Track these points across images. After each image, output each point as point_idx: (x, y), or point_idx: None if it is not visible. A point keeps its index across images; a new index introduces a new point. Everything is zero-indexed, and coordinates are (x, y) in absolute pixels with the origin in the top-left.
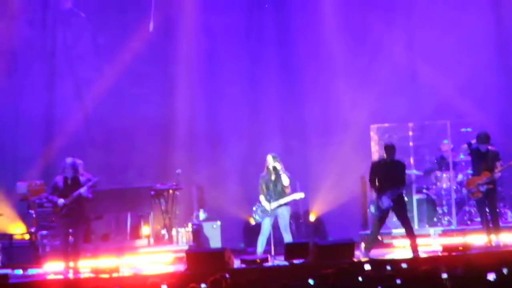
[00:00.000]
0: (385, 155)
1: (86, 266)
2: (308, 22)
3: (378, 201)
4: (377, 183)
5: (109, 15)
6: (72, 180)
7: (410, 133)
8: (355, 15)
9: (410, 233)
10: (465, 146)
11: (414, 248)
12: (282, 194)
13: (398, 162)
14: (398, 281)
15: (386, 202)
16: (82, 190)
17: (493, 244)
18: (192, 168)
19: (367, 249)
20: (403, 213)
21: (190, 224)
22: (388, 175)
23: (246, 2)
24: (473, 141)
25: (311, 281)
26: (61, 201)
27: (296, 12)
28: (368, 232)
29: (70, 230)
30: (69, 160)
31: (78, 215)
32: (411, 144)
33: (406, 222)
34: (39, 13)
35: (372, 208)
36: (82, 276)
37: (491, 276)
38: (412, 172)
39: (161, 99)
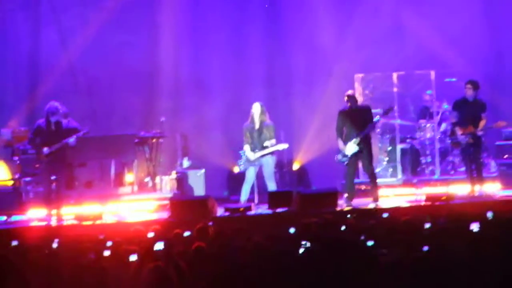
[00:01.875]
0: (348, 103)
1: (69, 213)
2: None
3: (345, 148)
4: (344, 131)
5: None
6: (56, 125)
7: (395, 83)
8: None
9: (372, 180)
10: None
11: (375, 196)
12: (266, 143)
13: (363, 107)
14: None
15: (351, 147)
16: (71, 140)
17: (477, 194)
18: (176, 116)
19: (349, 198)
20: (367, 157)
21: (174, 172)
22: (354, 122)
23: None
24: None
25: (291, 230)
26: (45, 149)
27: None
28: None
29: (53, 177)
30: (52, 104)
31: (61, 161)
32: (395, 93)
33: (367, 167)
34: None
35: (340, 156)
36: (65, 223)
37: (474, 226)
38: (396, 121)
39: (145, 46)
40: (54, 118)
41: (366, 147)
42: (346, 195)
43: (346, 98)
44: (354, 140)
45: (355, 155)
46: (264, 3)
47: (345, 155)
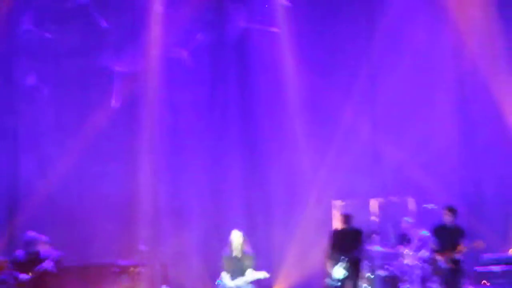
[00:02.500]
0: (342, 224)
1: None
2: (272, 99)
3: (334, 271)
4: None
5: (72, 90)
6: (34, 255)
7: (373, 209)
8: (319, 94)
9: None
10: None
11: None
12: (245, 271)
13: (354, 229)
14: None
15: (339, 271)
16: (46, 265)
17: None
18: (156, 243)
19: None
20: (354, 281)
21: None
22: (342, 244)
23: (210, 78)
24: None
25: None
26: (23, 276)
27: (259, 89)
28: None
29: None
30: (29, 234)
31: None
32: (375, 220)
33: None
34: (2, 89)
35: (329, 280)
36: None
37: None
38: (376, 248)
39: (124, 175)
40: (32, 248)
41: (354, 272)
42: None
43: (341, 217)
44: (340, 263)
45: (345, 278)
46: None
47: (334, 279)
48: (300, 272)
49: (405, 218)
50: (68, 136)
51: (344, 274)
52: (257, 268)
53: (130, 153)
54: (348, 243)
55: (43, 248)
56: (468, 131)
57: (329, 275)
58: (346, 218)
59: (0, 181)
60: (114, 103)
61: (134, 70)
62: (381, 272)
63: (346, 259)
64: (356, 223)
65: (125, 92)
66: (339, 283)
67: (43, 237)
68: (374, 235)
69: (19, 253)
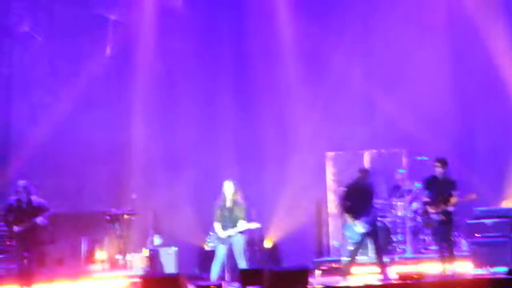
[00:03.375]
0: (360, 179)
1: None
2: (266, 48)
3: (355, 225)
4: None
5: (66, 39)
6: (27, 204)
7: (366, 161)
8: (314, 44)
9: (381, 259)
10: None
11: (385, 275)
12: (237, 222)
13: (370, 186)
14: None
15: (365, 226)
16: (39, 220)
17: (448, 273)
18: (148, 193)
19: (345, 274)
20: (378, 237)
21: (145, 250)
22: (363, 199)
23: (204, 26)
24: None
25: None
26: (16, 228)
27: (253, 38)
28: (346, 258)
29: (25, 254)
30: (22, 182)
31: (32, 239)
32: None
33: (379, 247)
34: None
35: (349, 233)
36: None
37: None
38: None
39: (116, 123)
40: (24, 196)
41: (374, 227)
42: (343, 270)
43: (360, 173)
44: (363, 218)
45: (365, 234)
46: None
47: (355, 233)
48: (292, 222)
49: (398, 170)
50: (61, 84)
51: (366, 228)
52: (249, 218)
53: (123, 102)
54: (367, 199)
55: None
56: (461, 81)
57: (349, 229)
58: (364, 172)
59: None
60: (108, 51)
61: (129, 18)
62: None
63: (371, 215)
64: (348, 175)
65: (119, 40)
66: (360, 238)
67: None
68: None
69: (12, 200)
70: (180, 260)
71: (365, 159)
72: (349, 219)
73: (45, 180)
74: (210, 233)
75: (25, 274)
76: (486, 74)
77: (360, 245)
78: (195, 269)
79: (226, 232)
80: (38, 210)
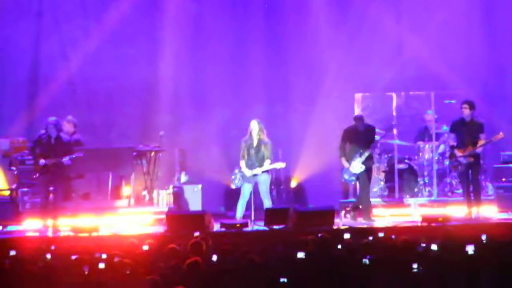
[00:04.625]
0: (355, 125)
1: (66, 224)
2: None
3: (352, 167)
4: (348, 149)
5: None
6: (56, 140)
7: (394, 103)
8: None
9: (365, 199)
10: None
11: (366, 215)
12: (263, 160)
13: (368, 127)
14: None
15: (357, 166)
16: (65, 159)
17: (473, 216)
18: (175, 130)
19: (367, 218)
20: (368, 175)
21: (171, 186)
22: (359, 140)
23: None
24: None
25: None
26: (42, 161)
27: None
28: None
29: (51, 188)
30: (52, 119)
31: (58, 173)
32: (394, 114)
33: (365, 186)
34: None
35: (346, 176)
36: (61, 234)
37: (469, 248)
38: (395, 142)
39: (146, 61)
40: (54, 132)
41: (369, 166)
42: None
43: (354, 120)
44: (358, 159)
45: (361, 173)
46: (265, 6)
47: (352, 174)
48: (318, 163)
49: (428, 112)
50: (90, 21)
51: (361, 168)
52: (275, 158)
53: (152, 39)
54: (362, 140)
55: (73, 132)
56: (492, 23)
57: (345, 171)
58: (359, 119)
59: (21, 63)
60: None
61: None
62: (400, 166)
63: (364, 153)
64: (377, 117)
65: None
66: (356, 178)
67: (74, 120)
68: (394, 129)
69: (43, 133)
70: (205, 198)
71: (393, 101)
72: (345, 162)
73: (73, 115)
74: (236, 170)
75: (50, 208)
76: None
77: (364, 182)
78: (220, 207)
79: (251, 170)
80: (66, 147)
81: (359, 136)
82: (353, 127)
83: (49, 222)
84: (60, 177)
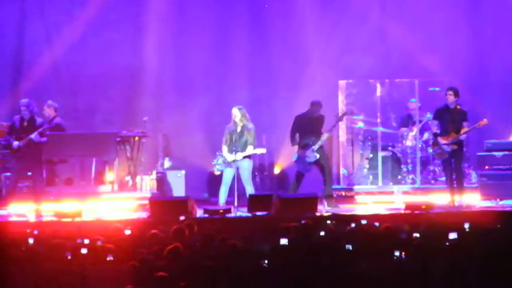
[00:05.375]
0: (311, 110)
1: (49, 209)
2: None
3: (303, 154)
4: (298, 137)
5: None
6: (28, 122)
7: (378, 90)
8: None
9: (328, 186)
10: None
11: (329, 201)
12: (246, 146)
13: (320, 116)
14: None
15: (312, 155)
16: (33, 135)
17: (456, 204)
18: (159, 116)
19: (329, 202)
20: (325, 161)
21: (154, 172)
22: (312, 129)
23: None
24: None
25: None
26: (15, 143)
27: None
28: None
29: (28, 173)
30: (24, 101)
31: (33, 158)
32: (378, 101)
33: (325, 174)
34: None
35: (300, 165)
36: (44, 219)
37: (452, 236)
38: (378, 129)
39: (130, 46)
40: (27, 114)
41: (323, 154)
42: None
43: (312, 105)
44: (313, 147)
45: (316, 161)
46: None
47: (307, 163)
48: None
49: (411, 100)
50: (75, 5)
51: (316, 157)
52: (259, 143)
53: (136, 25)
54: (314, 128)
55: (48, 115)
56: (476, 12)
57: (299, 159)
58: (316, 105)
59: (5, 46)
60: None
61: None
62: (384, 153)
63: (317, 141)
64: (360, 103)
65: None
66: (311, 166)
67: (54, 105)
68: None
69: (16, 118)
70: (188, 183)
71: (377, 89)
72: (299, 150)
73: (57, 100)
74: (217, 153)
75: (17, 195)
76: (501, 5)
77: (304, 174)
78: (204, 193)
79: (232, 155)
80: (39, 128)
81: (312, 124)
82: (306, 115)
83: (28, 206)
84: (36, 161)
